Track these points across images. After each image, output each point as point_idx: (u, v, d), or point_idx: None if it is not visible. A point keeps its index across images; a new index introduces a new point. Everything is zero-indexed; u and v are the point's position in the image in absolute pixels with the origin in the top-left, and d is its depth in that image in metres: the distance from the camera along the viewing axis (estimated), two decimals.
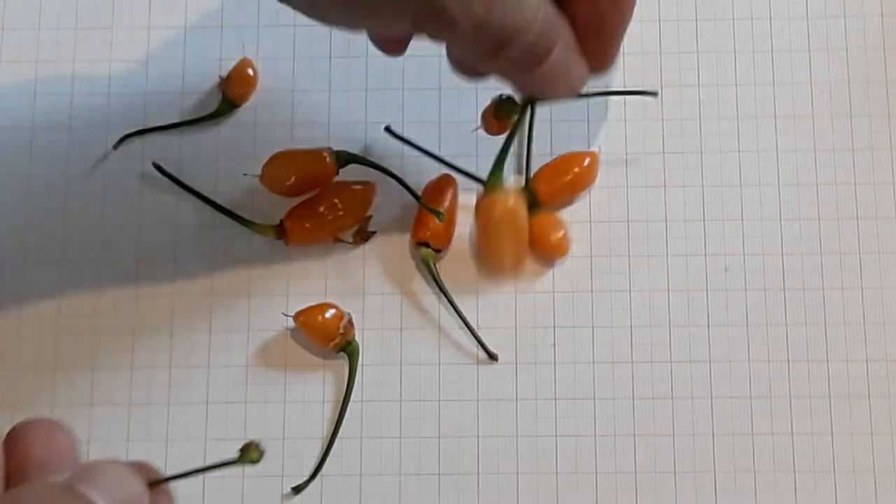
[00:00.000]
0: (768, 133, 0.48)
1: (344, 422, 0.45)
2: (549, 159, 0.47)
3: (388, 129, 0.47)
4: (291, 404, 0.45)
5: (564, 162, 0.47)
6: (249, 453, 0.31)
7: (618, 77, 0.48)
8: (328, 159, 0.46)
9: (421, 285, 0.46)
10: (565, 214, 0.47)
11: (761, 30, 0.49)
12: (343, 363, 0.45)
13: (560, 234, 0.46)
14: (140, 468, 0.30)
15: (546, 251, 0.46)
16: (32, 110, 0.48)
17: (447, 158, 0.47)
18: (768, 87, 0.48)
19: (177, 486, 0.44)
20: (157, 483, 0.30)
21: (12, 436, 0.30)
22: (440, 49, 0.39)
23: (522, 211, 0.42)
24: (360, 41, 0.43)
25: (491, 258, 0.45)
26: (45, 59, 0.49)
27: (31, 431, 0.30)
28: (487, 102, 0.44)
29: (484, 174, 0.43)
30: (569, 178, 0.47)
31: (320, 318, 0.45)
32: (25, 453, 0.29)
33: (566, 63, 0.38)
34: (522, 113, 0.39)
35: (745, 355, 0.45)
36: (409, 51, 0.42)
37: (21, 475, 0.29)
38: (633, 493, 0.44)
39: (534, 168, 0.46)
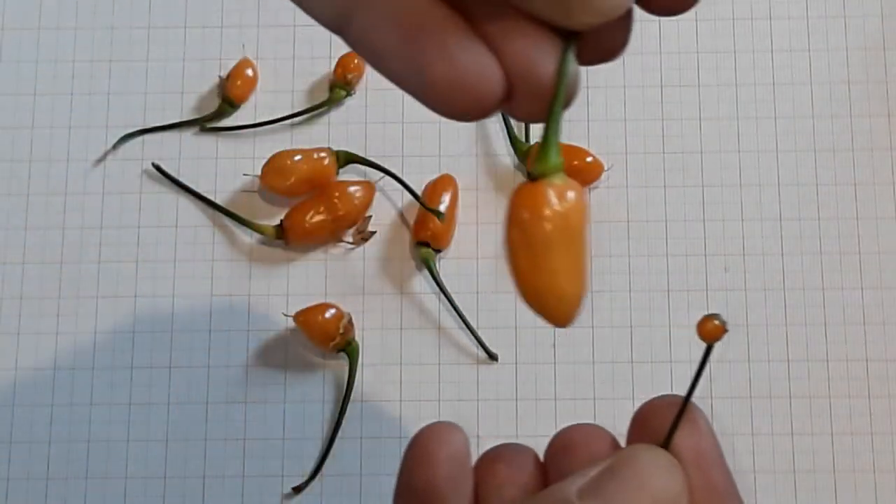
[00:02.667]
0: (768, 133, 0.48)
1: (344, 422, 0.45)
2: None
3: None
4: (291, 404, 0.45)
5: (567, 147, 0.46)
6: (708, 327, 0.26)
7: (618, 76, 0.48)
8: (328, 159, 0.46)
9: (421, 285, 0.46)
10: None
11: (761, 30, 0.49)
12: (343, 363, 0.45)
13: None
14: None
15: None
16: (32, 110, 0.48)
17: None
18: (768, 87, 0.48)
19: (179, 485, 0.43)
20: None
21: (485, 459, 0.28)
22: None
23: (583, 210, 0.25)
24: None
25: (541, 279, 0.26)
26: (45, 59, 0.49)
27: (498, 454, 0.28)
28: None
29: (483, 174, 0.43)
30: (568, 160, 0.46)
31: (320, 318, 0.45)
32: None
33: None
34: (563, 59, 0.25)
35: (746, 355, 0.45)
36: None
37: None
38: None
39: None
